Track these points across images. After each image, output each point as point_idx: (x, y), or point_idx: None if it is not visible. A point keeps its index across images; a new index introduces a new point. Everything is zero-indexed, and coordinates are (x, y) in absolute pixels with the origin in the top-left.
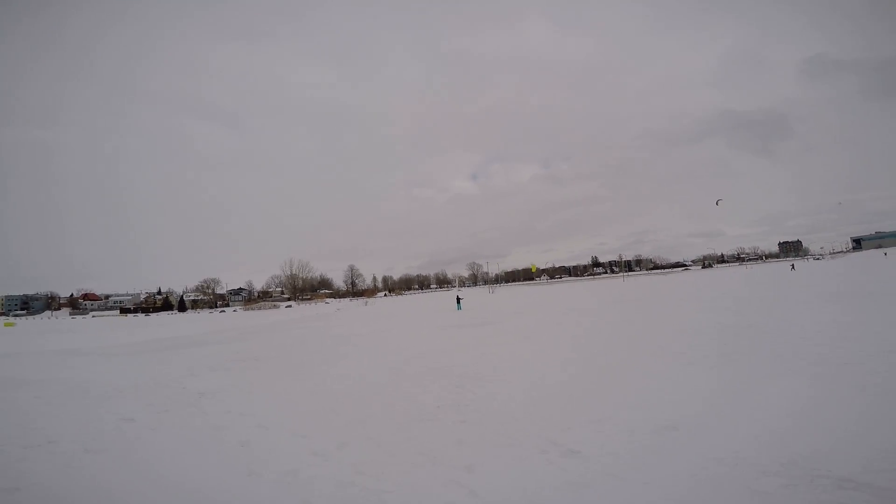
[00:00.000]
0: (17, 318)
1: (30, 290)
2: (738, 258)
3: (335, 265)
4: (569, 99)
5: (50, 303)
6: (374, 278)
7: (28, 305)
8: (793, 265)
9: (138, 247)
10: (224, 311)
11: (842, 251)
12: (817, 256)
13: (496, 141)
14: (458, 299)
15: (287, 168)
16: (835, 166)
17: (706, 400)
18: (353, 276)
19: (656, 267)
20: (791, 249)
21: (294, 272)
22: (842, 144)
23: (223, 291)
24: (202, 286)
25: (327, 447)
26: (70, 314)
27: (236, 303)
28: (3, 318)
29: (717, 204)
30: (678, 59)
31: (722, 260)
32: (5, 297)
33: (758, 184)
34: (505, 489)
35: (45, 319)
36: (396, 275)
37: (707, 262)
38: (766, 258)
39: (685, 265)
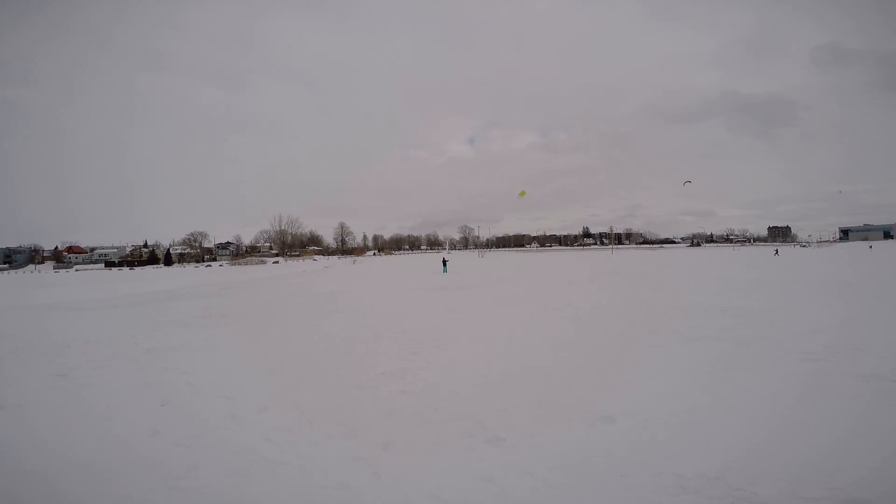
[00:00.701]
0: (2, 271)
1: (13, 243)
2: (728, 239)
3: (326, 222)
4: (570, 69)
5: (34, 256)
6: (365, 237)
7: (11, 259)
8: (776, 250)
9: (127, 199)
10: (210, 266)
11: (829, 241)
12: (804, 244)
13: (495, 107)
14: (445, 262)
15: (282, 127)
16: (832, 156)
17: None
18: (343, 233)
19: (645, 241)
20: (780, 235)
21: (283, 228)
22: (841, 135)
23: (210, 245)
24: (189, 239)
25: (247, 411)
26: (54, 268)
27: (223, 257)
28: None
29: (684, 185)
30: (685, 36)
31: (711, 239)
32: None
33: (754, 167)
34: (411, 476)
35: (27, 273)
36: (388, 234)
37: (696, 241)
38: (755, 241)
39: (674, 242)
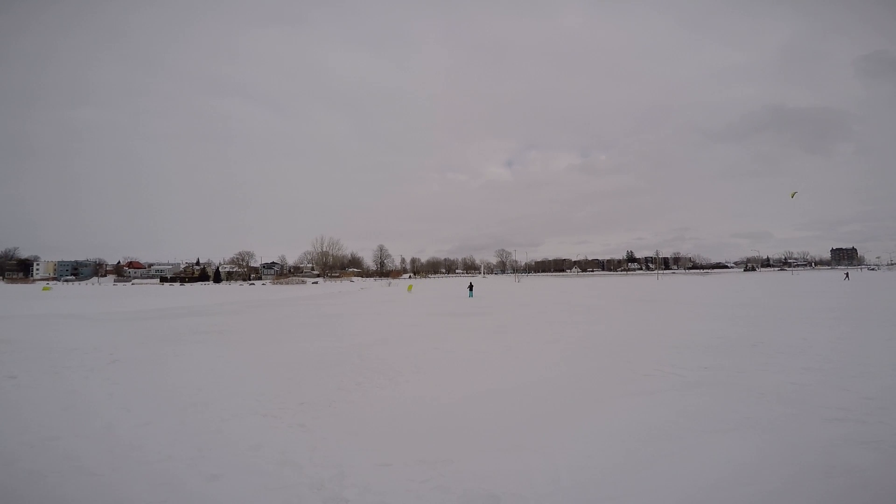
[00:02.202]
0: (68, 282)
1: (81, 257)
2: (785, 262)
3: (366, 244)
4: (607, 88)
5: (97, 269)
6: (403, 260)
7: (77, 271)
8: (846, 274)
9: (183, 219)
10: (253, 284)
11: None
12: (872, 266)
13: (532, 128)
14: (471, 287)
15: (324, 149)
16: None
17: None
18: (381, 256)
19: (695, 266)
20: (844, 257)
21: (324, 249)
22: None
23: (257, 265)
24: (237, 259)
25: (129, 425)
26: (114, 281)
27: (268, 276)
28: (44, 282)
29: (791, 196)
30: (722, 51)
31: (767, 263)
32: (58, 262)
33: (810, 185)
34: None
35: (88, 285)
36: (425, 257)
37: (750, 265)
38: (816, 265)
39: (726, 266)
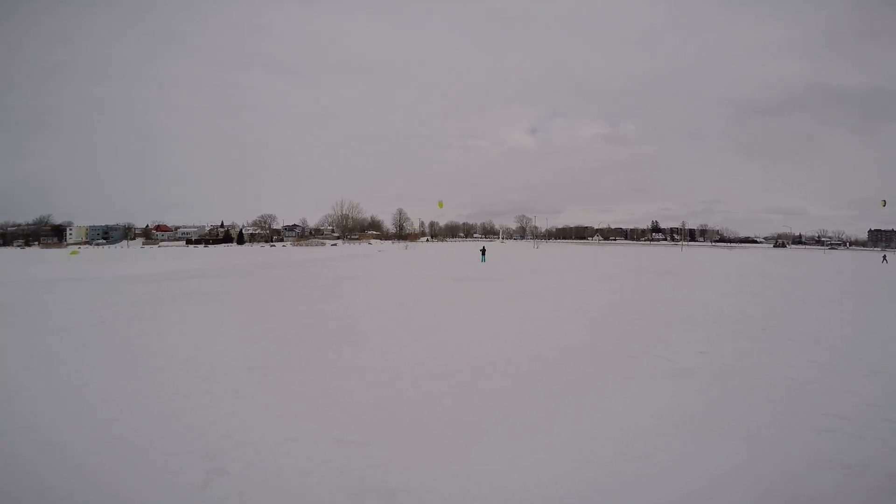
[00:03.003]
0: (99, 246)
1: (111, 222)
2: (819, 241)
3: (387, 208)
4: (639, 58)
5: (127, 233)
6: (422, 223)
7: (108, 235)
8: (885, 256)
9: (206, 186)
10: (274, 246)
11: None
12: None
13: (558, 97)
14: (483, 251)
15: (344, 118)
16: None
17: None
18: (401, 219)
19: (722, 239)
20: (882, 239)
21: (344, 212)
22: None
23: (279, 227)
24: (259, 221)
25: (75, 384)
26: (143, 244)
27: (290, 238)
28: (72, 247)
29: (883, 205)
30: (762, 24)
31: (799, 240)
32: (90, 226)
33: (852, 164)
34: None
35: (117, 248)
36: (444, 222)
37: (780, 241)
38: (851, 245)
39: (755, 241)
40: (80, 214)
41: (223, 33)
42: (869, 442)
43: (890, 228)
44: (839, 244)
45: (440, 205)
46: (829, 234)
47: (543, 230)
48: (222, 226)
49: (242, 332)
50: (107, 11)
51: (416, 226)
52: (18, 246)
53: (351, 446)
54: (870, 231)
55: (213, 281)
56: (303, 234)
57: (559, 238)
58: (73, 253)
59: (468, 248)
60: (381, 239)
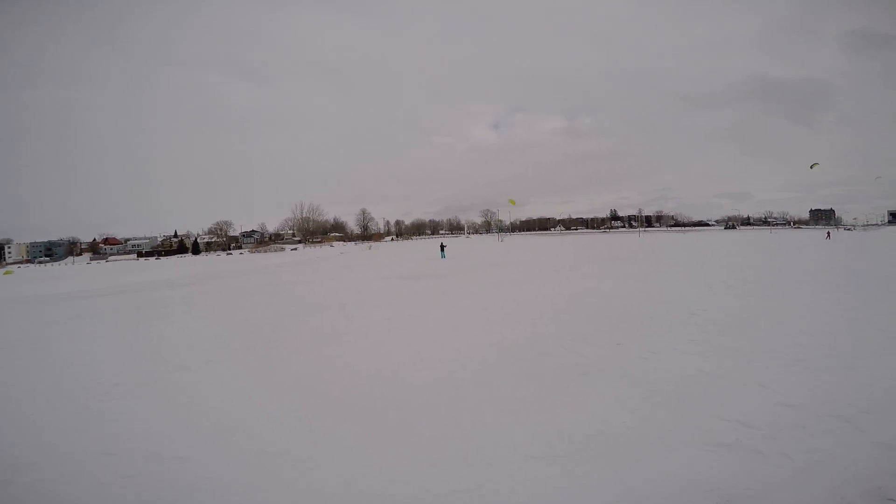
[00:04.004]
0: (41, 264)
1: (55, 237)
2: (766, 222)
3: (351, 209)
4: (596, 53)
5: (72, 248)
6: (387, 223)
7: (52, 252)
8: (828, 233)
9: (158, 192)
10: (231, 254)
11: (876, 224)
12: (849, 227)
13: (519, 92)
14: (443, 247)
15: (307, 118)
16: (875, 138)
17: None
18: (364, 219)
19: (677, 224)
20: (823, 217)
21: (305, 215)
22: (884, 117)
23: (236, 234)
24: (215, 229)
25: None
26: (90, 259)
27: (248, 245)
28: (9, 266)
29: (811, 168)
30: (712, 20)
31: (747, 222)
32: (30, 243)
33: (792, 150)
34: None
35: (60, 266)
36: (410, 220)
37: (730, 224)
38: (796, 224)
39: (707, 224)
40: (23, 230)
41: (177, 33)
42: (771, 459)
43: (829, 207)
44: (784, 224)
45: (511, 202)
46: (775, 215)
47: (508, 224)
48: (175, 235)
49: (119, 347)
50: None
51: (381, 225)
52: None
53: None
54: (811, 211)
55: (133, 297)
56: (262, 240)
57: (524, 230)
58: (8, 273)
59: (432, 246)
60: (344, 241)
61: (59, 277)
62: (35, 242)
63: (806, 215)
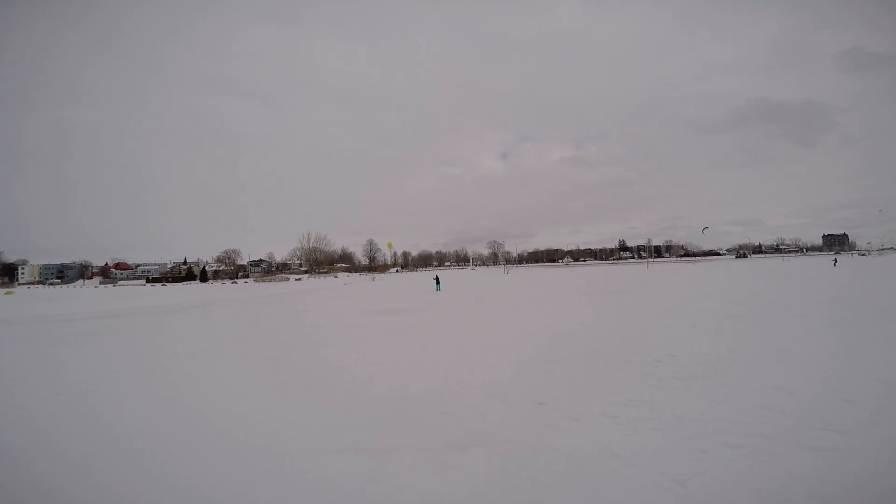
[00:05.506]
0: (52, 286)
1: (67, 260)
2: (777, 249)
3: (359, 240)
4: (599, 81)
5: (84, 272)
6: (395, 254)
7: (63, 274)
8: (835, 260)
9: (170, 219)
10: (236, 283)
11: (892, 248)
12: (863, 252)
13: (526, 121)
14: (437, 280)
15: (317, 145)
16: (880, 158)
17: None
18: (372, 250)
19: (687, 254)
20: (836, 243)
21: (312, 245)
22: (888, 137)
23: (244, 262)
24: (223, 257)
25: None
26: (100, 283)
27: (255, 273)
28: (6, 287)
29: (703, 232)
30: (711, 45)
31: (759, 250)
32: (42, 265)
33: (799, 173)
34: None
35: (70, 288)
36: (417, 251)
37: (742, 252)
38: (808, 251)
39: (718, 253)
40: (37, 251)
41: (195, 58)
42: None
43: (841, 232)
44: (797, 250)
45: (389, 245)
46: (787, 242)
47: (515, 255)
48: (185, 263)
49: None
50: (78, 34)
51: (389, 256)
52: None
53: None
54: (824, 236)
55: (112, 322)
56: (269, 270)
57: (531, 262)
58: (8, 293)
59: (428, 278)
60: (349, 272)
61: (60, 299)
62: (48, 264)
63: (819, 241)
